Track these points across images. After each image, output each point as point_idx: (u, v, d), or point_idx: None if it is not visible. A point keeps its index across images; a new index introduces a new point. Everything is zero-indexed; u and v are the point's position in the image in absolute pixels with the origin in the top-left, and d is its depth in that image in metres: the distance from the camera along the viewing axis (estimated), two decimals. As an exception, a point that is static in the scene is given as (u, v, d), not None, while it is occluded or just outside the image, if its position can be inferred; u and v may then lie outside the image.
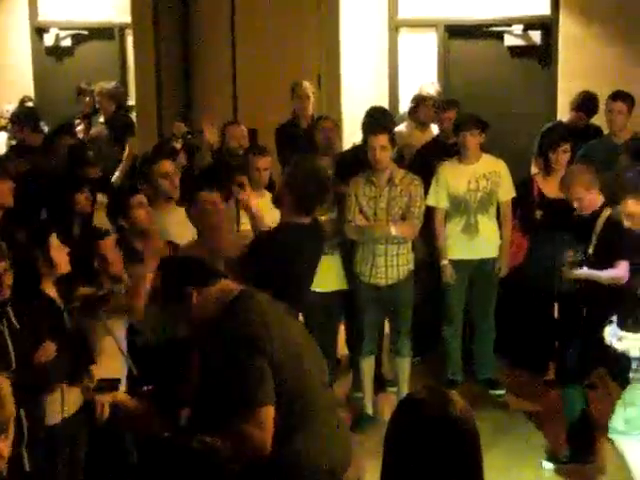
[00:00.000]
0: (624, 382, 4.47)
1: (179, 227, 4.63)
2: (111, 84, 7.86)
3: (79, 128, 7.90)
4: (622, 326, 4.33)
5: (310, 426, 2.85)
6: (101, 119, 7.73)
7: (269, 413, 2.74)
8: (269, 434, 2.73)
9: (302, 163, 4.32)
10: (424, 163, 5.88)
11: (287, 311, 3.06)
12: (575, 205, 4.77)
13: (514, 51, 7.73)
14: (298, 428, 2.83)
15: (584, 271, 4.66)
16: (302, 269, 4.24)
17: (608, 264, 4.56)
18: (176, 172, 4.91)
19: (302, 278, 4.27)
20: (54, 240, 3.73)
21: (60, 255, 3.71)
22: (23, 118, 7.21)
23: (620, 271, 4.48)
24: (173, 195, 4.84)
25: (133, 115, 8.31)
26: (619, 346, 4.33)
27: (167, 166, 4.83)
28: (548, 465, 4.77)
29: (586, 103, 6.45)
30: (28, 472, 3.39)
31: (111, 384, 3.44)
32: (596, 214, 4.69)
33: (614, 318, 4.36)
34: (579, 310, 4.80)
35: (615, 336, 4.29)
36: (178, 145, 5.95)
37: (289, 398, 2.79)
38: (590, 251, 4.68)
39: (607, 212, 4.66)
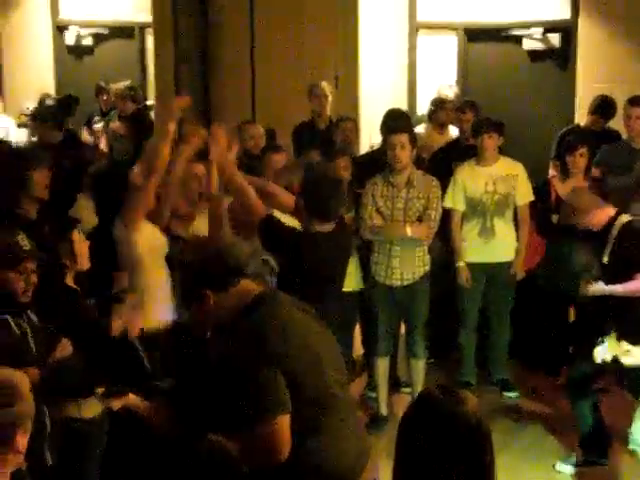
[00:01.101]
0: (636, 393, 4.47)
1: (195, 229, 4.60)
2: (122, 84, 7.88)
3: (98, 126, 7.97)
4: (627, 338, 4.33)
5: (327, 428, 2.83)
6: (116, 117, 7.76)
7: (283, 422, 2.69)
8: (284, 444, 2.69)
9: (313, 169, 4.31)
10: (443, 165, 5.90)
11: (308, 312, 3.01)
12: (583, 227, 4.72)
13: (533, 55, 7.72)
14: (315, 430, 2.80)
15: (601, 288, 4.58)
16: (323, 276, 4.16)
17: (625, 273, 4.54)
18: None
19: (324, 284, 4.18)
20: (77, 235, 3.77)
21: (82, 250, 3.76)
22: (42, 115, 7.27)
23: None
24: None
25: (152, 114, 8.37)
26: (627, 361, 4.33)
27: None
28: (561, 468, 4.77)
29: (603, 107, 6.44)
30: (49, 466, 3.42)
31: (120, 389, 3.43)
32: (610, 224, 4.63)
33: (606, 338, 4.36)
34: (592, 319, 4.77)
35: (611, 352, 4.30)
36: None
37: (305, 402, 2.76)
38: (605, 260, 4.65)
39: (623, 219, 4.63)
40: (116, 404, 3.30)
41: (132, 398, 3.18)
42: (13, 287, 3.37)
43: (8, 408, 2.14)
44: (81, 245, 3.75)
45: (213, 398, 2.90)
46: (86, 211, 4.73)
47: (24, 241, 3.47)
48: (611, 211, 4.65)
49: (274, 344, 2.72)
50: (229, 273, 2.88)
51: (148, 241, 4.19)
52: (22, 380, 2.22)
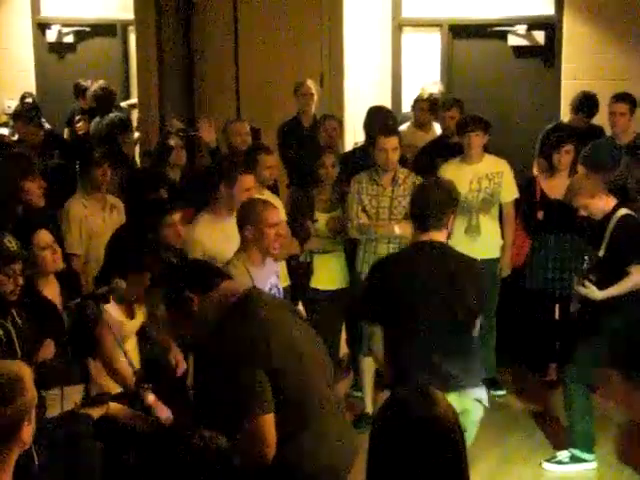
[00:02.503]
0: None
1: (228, 238, 4.47)
2: (96, 85, 7.83)
3: (79, 125, 7.90)
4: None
5: (314, 427, 2.83)
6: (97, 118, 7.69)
7: (266, 421, 2.71)
8: (268, 443, 2.71)
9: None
10: (427, 163, 5.88)
11: (293, 311, 3.03)
12: (583, 213, 4.74)
13: (518, 51, 7.71)
14: (301, 429, 2.81)
15: (596, 293, 4.58)
16: (416, 291, 3.65)
17: (620, 268, 4.54)
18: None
19: (416, 300, 3.64)
20: (40, 237, 3.72)
21: (46, 254, 3.71)
22: (25, 114, 7.20)
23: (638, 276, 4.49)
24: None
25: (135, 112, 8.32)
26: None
27: (251, 181, 4.66)
28: (548, 466, 4.77)
29: (585, 104, 6.43)
30: (37, 466, 3.39)
31: (100, 398, 3.41)
32: (608, 216, 4.66)
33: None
34: (590, 312, 4.76)
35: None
36: (173, 142, 5.93)
37: (291, 401, 2.77)
38: (601, 254, 4.65)
39: (620, 212, 4.64)
40: (97, 412, 3.27)
41: (113, 406, 3.16)
42: (1, 289, 3.34)
43: (16, 402, 2.12)
44: (44, 249, 3.67)
45: (204, 398, 2.92)
46: None
47: (11, 243, 3.45)
48: (613, 202, 4.67)
49: (257, 344, 2.74)
50: (212, 275, 2.93)
51: None
52: (25, 371, 2.21)
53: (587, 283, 4.60)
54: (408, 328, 3.58)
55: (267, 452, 2.72)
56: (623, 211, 4.63)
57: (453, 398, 3.31)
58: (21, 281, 3.42)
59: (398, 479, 1.87)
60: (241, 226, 3.99)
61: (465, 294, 3.59)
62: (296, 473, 2.81)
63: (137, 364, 3.94)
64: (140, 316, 4.04)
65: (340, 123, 6.41)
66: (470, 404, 3.60)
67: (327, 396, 2.92)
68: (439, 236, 3.66)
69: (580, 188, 4.73)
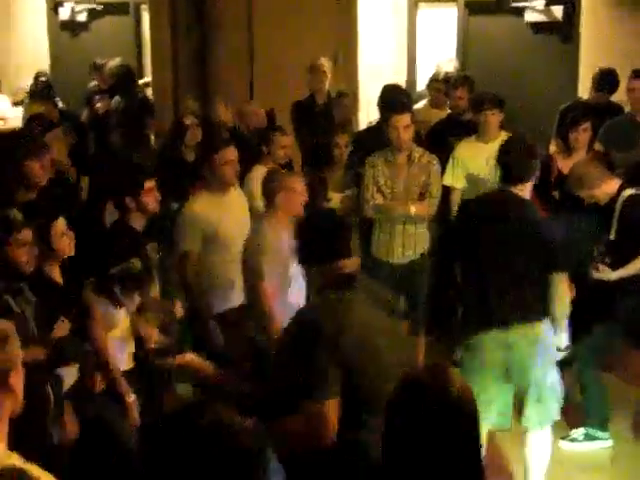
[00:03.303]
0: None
1: (232, 214, 4.74)
2: (112, 63, 7.80)
3: (99, 104, 7.87)
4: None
5: (370, 426, 2.77)
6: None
7: (331, 406, 2.75)
8: (329, 427, 2.76)
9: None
10: (438, 140, 5.84)
11: (377, 299, 3.01)
12: (590, 201, 4.69)
13: (535, 27, 7.62)
14: (357, 426, 2.80)
15: (609, 274, 4.57)
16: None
17: (632, 249, 4.50)
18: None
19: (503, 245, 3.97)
20: (58, 225, 3.72)
21: (62, 240, 3.72)
22: (40, 93, 7.20)
23: None
24: (234, 183, 4.84)
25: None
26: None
27: (230, 154, 4.76)
28: (563, 444, 4.76)
29: (606, 80, 6.35)
30: (56, 445, 3.43)
31: (166, 350, 3.53)
32: (614, 199, 4.60)
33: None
34: (606, 296, 4.73)
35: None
36: (188, 121, 5.91)
37: (355, 399, 2.79)
38: (612, 236, 4.61)
39: (627, 193, 4.58)
40: (176, 361, 3.30)
41: (189, 356, 3.19)
42: (15, 259, 3.38)
43: (3, 347, 2.15)
44: (60, 236, 3.69)
45: (271, 377, 2.98)
46: None
47: (17, 215, 3.49)
48: (617, 184, 4.61)
49: (335, 337, 2.76)
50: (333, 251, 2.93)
51: None
52: (7, 324, 2.26)
53: (601, 266, 4.57)
54: (489, 264, 3.93)
55: (328, 434, 2.77)
56: (629, 191, 4.58)
57: (528, 328, 3.86)
58: (35, 251, 3.45)
59: (413, 458, 1.86)
60: (270, 192, 4.31)
61: (540, 239, 3.95)
62: (359, 462, 2.77)
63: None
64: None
65: (355, 100, 6.39)
66: (543, 331, 3.95)
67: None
68: (520, 189, 4.00)
69: (583, 180, 4.66)
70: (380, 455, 2.57)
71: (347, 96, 6.30)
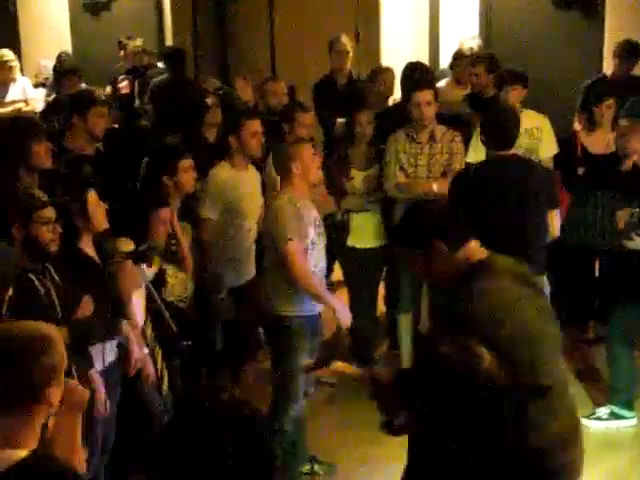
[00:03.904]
0: None
1: (251, 190, 4.87)
2: (133, 44, 7.78)
3: (123, 84, 7.87)
4: None
5: (545, 402, 2.63)
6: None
7: None
8: None
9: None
10: (458, 119, 5.80)
11: (528, 283, 2.81)
12: (634, 158, 4.67)
13: (559, 2, 7.52)
14: (549, 414, 2.64)
15: None
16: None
17: None
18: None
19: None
20: (92, 196, 3.73)
21: (97, 212, 3.72)
22: (70, 70, 7.19)
23: None
24: (259, 155, 4.92)
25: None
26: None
27: (257, 125, 4.83)
28: (587, 422, 4.74)
29: (629, 51, 6.29)
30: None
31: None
32: None
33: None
34: (632, 270, 4.69)
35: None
36: (209, 101, 5.90)
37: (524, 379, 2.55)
38: None
39: None
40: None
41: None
42: (40, 238, 3.36)
43: (44, 361, 2.12)
44: (96, 207, 3.71)
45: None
46: None
47: (40, 193, 3.49)
48: None
49: (488, 324, 2.48)
50: (465, 231, 2.79)
51: None
52: (57, 334, 2.21)
53: (634, 236, 4.54)
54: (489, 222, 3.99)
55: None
56: None
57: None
58: (59, 229, 3.42)
59: (440, 433, 1.86)
60: (284, 163, 4.19)
61: (538, 191, 4.32)
62: (522, 445, 2.57)
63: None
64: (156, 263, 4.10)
65: (394, 75, 6.32)
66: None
67: (557, 378, 2.71)
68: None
69: (634, 132, 4.65)
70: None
71: (388, 71, 6.23)
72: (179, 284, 4.47)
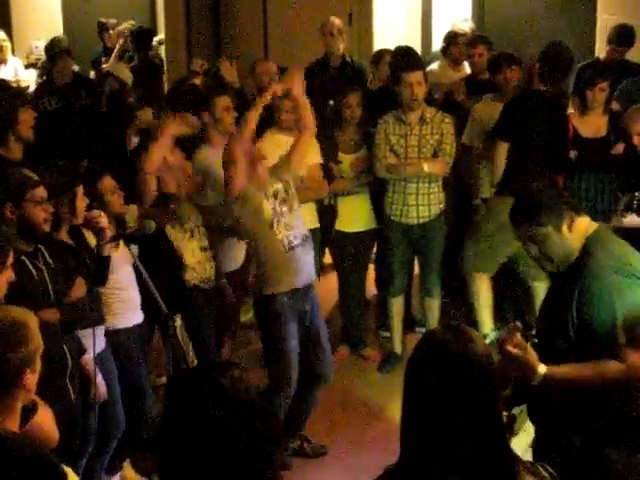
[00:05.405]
0: None
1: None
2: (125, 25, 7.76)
3: (105, 65, 7.84)
4: None
5: None
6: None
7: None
8: None
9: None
10: (454, 102, 5.80)
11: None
12: (637, 141, 4.67)
13: (551, -16, 7.50)
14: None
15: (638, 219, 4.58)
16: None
17: None
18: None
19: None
20: (108, 181, 3.91)
21: (112, 197, 3.92)
22: (64, 50, 7.14)
23: None
24: (232, 130, 4.79)
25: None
26: None
27: (227, 101, 4.86)
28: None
29: (622, 35, 6.27)
30: (73, 402, 3.49)
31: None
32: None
33: None
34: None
35: None
36: (197, 81, 5.86)
37: None
38: None
39: None
40: None
41: None
42: (33, 217, 3.36)
43: (19, 349, 2.15)
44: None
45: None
46: None
47: (30, 173, 3.50)
48: None
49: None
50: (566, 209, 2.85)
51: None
52: (31, 318, 2.24)
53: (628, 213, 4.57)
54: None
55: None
56: None
57: None
58: (51, 208, 3.43)
59: (433, 418, 1.87)
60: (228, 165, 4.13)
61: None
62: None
63: None
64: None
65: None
66: None
67: None
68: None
69: (630, 115, 4.65)
70: None
71: (390, 53, 6.17)
72: (199, 266, 4.49)
